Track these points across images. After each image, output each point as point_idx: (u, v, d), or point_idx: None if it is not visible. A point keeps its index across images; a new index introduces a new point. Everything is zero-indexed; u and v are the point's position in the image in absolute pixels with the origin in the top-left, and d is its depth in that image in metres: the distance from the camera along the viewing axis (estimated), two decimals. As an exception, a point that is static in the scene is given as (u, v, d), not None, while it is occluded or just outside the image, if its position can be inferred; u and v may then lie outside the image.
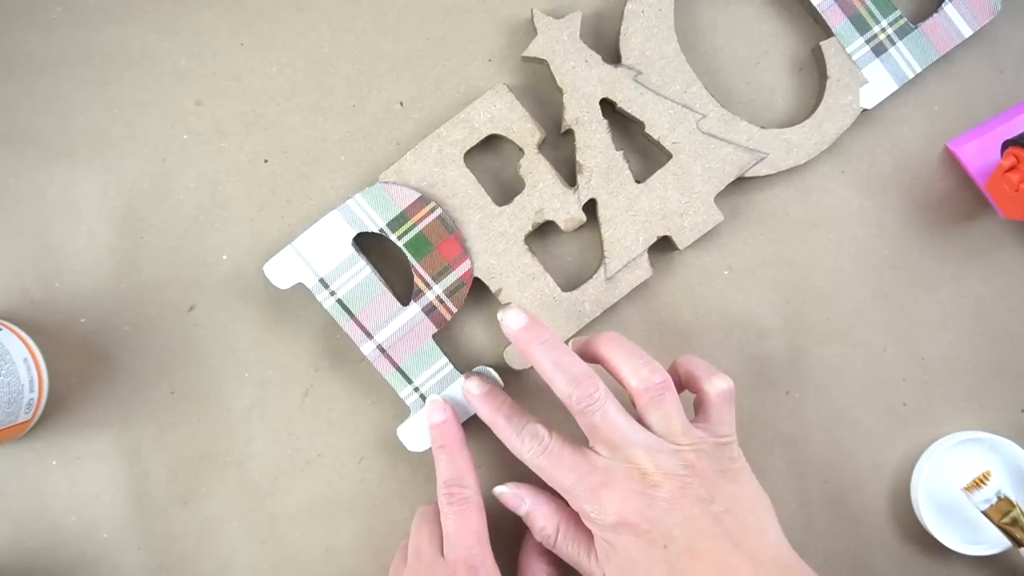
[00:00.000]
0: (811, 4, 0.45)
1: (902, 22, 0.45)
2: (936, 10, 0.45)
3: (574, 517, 0.39)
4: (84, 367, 0.43)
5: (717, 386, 0.39)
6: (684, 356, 0.41)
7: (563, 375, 0.37)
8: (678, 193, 0.44)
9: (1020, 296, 0.46)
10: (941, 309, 0.46)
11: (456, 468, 0.40)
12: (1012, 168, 0.40)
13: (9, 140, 0.44)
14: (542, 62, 0.44)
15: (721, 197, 0.45)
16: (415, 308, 0.43)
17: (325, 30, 0.45)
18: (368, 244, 0.44)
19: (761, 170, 0.44)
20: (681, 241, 0.44)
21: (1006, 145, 0.41)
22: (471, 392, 0.41)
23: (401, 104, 0.45)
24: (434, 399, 0.42)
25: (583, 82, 0.44)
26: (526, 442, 0.38)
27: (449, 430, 0.41)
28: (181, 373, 0.44)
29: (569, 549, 0.39)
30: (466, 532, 0.39)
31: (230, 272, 0.44)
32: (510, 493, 0.41)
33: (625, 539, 0.36)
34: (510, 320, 0.39)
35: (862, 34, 0.45)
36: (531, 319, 0.39)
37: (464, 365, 0.44)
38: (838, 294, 0.46)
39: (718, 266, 0.46)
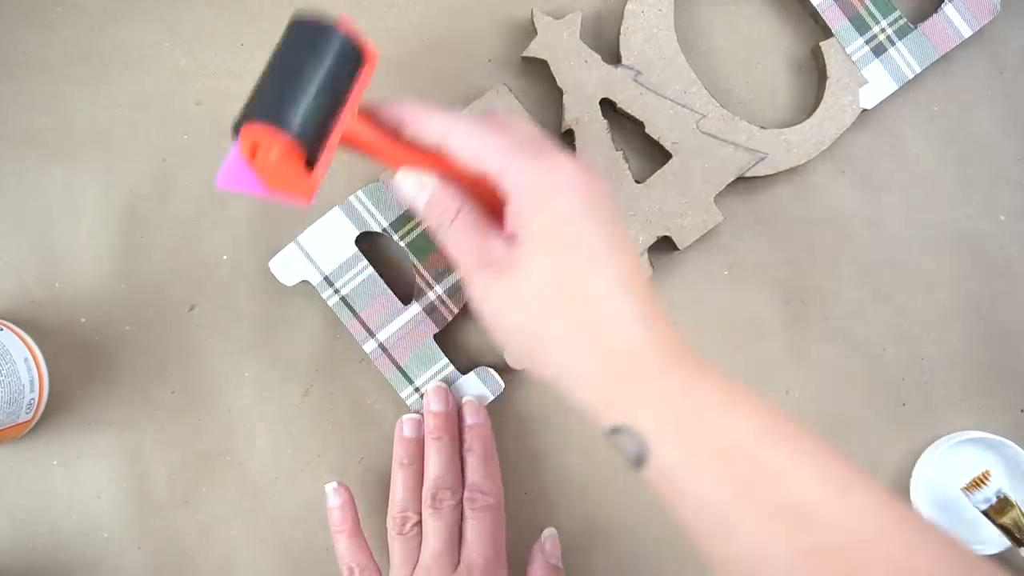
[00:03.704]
0: (811, 4, 0.45)
1: (902, 22, 0.45)
2: (936, 10, 0.45)
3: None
4: (84, 367, 0.43)
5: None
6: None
7: None
8: (678, 193, 0.44)
9: (1020, 296, 0.46)
10: (941, 309, 0.46)
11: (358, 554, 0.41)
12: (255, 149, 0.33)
13: (10, 140, 0.44)
14: (542, 62, 0.44)
15: (721, 197, 0.45)
16: (416, 308, 0.43)
17: (325, 30, 0.45)
18: (369, 242, 0.44)
19: (761, 170, 0.44)
20: (681, 241, 0.44)
21: (238, 126, 0.33)
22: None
23: (401, 104, 0.45)
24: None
25: (583, 82, 0.44)
26: None
27: (346, 515, 0.41)
28: (181, 373, 0.44)
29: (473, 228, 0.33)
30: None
31: (230, 272, 0.44)
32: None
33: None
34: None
35: (862, 34, 0.45)
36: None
37: (464, 365, 0.44)
38: (838, 294, 0.46)
39: (718, 266, 0.46)
